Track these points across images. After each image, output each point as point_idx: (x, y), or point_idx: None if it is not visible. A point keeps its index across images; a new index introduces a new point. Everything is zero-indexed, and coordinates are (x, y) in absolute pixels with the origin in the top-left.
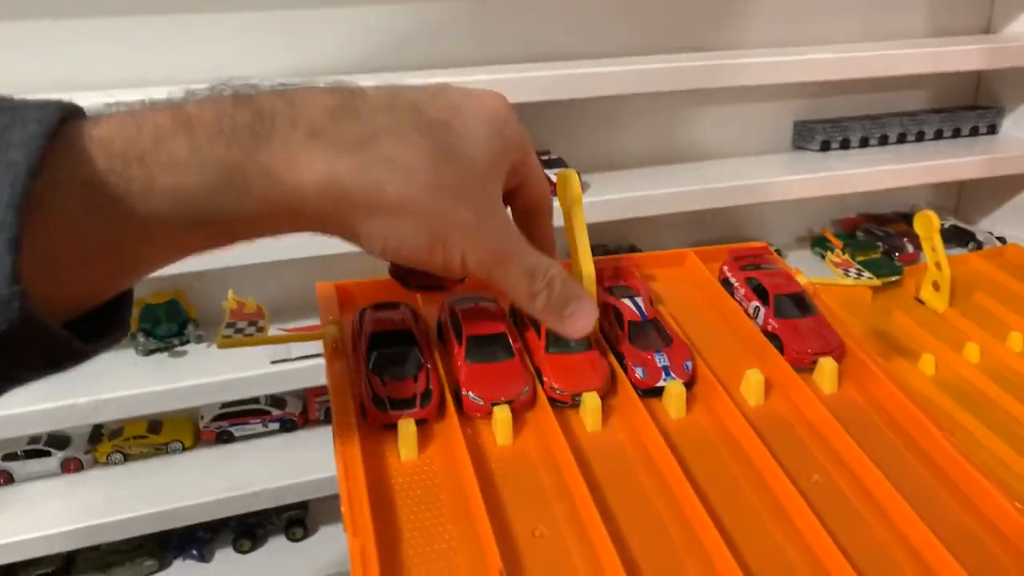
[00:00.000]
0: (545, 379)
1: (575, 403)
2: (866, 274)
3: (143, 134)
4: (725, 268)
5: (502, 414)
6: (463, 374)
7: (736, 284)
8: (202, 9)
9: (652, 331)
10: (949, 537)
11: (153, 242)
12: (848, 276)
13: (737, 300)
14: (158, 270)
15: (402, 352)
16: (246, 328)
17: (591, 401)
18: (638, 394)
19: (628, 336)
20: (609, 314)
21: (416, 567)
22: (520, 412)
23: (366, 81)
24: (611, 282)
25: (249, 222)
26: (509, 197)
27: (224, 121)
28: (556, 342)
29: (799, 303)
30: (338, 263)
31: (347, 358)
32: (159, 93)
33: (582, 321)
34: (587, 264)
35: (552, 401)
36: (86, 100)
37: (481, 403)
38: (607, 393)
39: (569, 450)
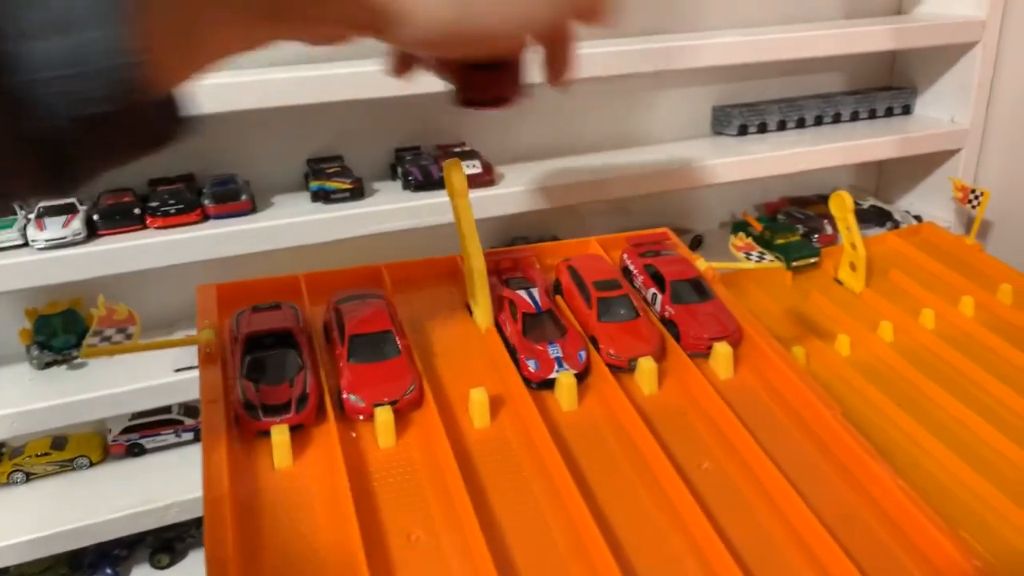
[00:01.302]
0: (601, 346)
1: (631, 367)
2: (768, 256)
3: None
4: (625, 255)
5: (384, 416)
6: (345, 375)
7: (635, 271)
8: None
9: (547, 322)
10: (834, 520)
11: (222, 23)
12: (750, 259)
13: (636, 287)
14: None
15: (279, 355)
16: (114, 335)
17: (478, 397)
18: (530, 387)
19: (522, 328)
20: (504, 306)
21: None
22: (406, 412)
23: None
24: (508, 274)
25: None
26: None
27: None
28: (607, 311)
29: (696, 288)
30: (240, 265)
31: (223, 363)
32: None
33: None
34: (476, 257)
35: (609, 367)
36: None
37: (363, 405)
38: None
39: (452, 450)
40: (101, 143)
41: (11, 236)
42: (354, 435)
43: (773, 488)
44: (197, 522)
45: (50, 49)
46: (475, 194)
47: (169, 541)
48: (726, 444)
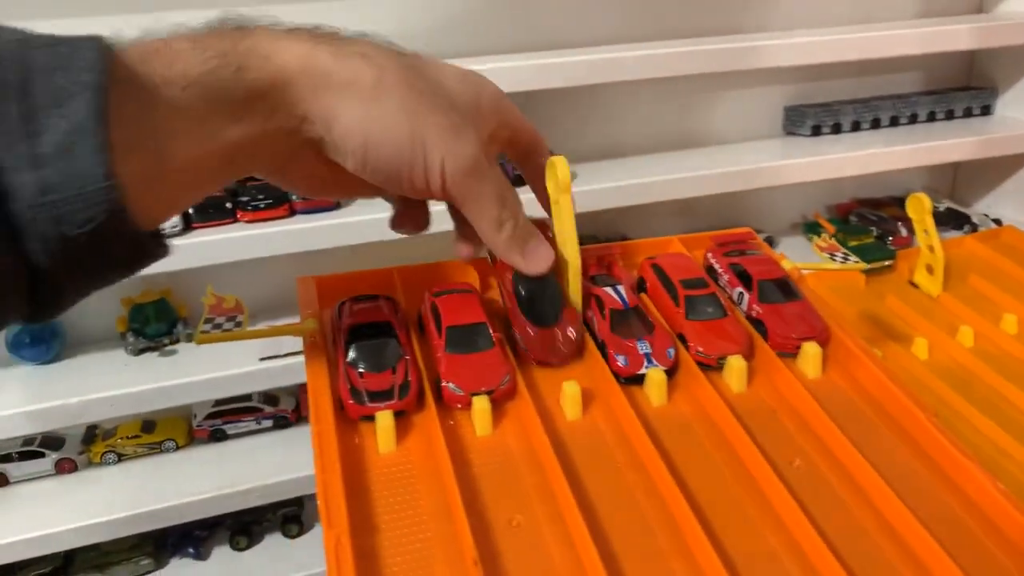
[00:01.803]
0: (690, 343)
1: (720, 365)
2: (852, 258)
3: (151, 43)
4: (709, 255)
5: (481, 404)
6: (443, 365)
7: (720, 270)
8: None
9: (634, 319)
10: (931, 520)
11: (182, 131)
12: (834, 260)
13: (721, 286)
14: (198, 191)
15: (381, 344)
16: (224, 323)
17: (570, 390)
18: (619, 382)
19: (610, 324)
20: (592, 303)
21: (391, 558)
22: (501, 402)
23: None
24: (595, 271)
25: (247, 103)
26: (503, 146)
27: (215, 28)
28: (694, 310)
29: (783, 288)
30: (323, 259)
31: (326, 351)
32: None
33: (543, 259)
34: (573, 254)
35: (698, 364)
36: None
37: (461, 393)
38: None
39: (548, 440)
40: (85, 266)
41: None
42: (452, 423)
43: (868, 486)
44: (274, 507)
45: (35, 179)
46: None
47: (247, 524)
48: (817, 442)
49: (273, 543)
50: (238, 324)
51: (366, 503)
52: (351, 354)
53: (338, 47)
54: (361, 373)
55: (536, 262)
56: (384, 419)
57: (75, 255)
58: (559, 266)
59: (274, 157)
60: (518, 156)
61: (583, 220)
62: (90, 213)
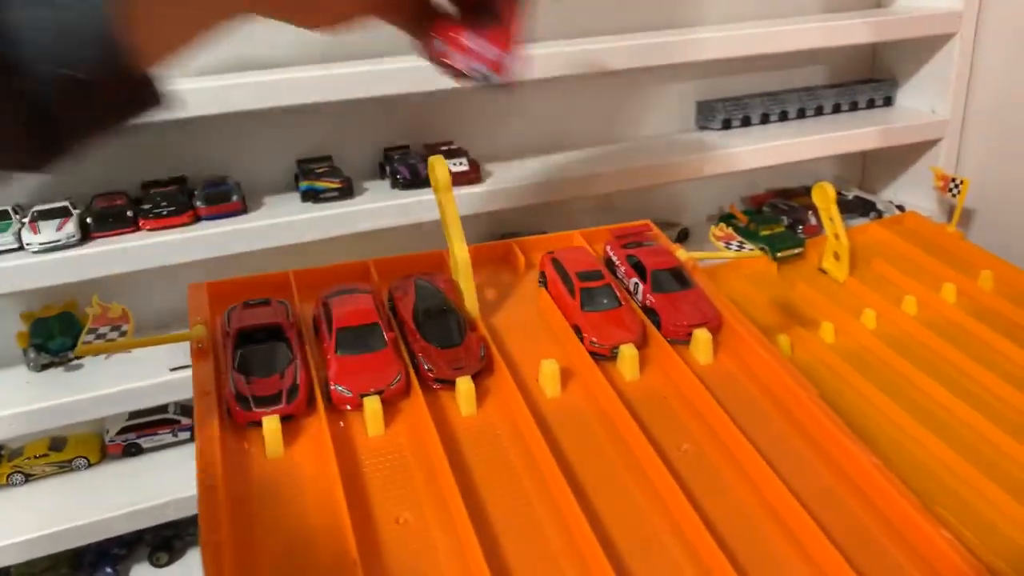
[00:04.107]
0: (584, 334)
1: (613, 355)
2: (748, 246)
3: None
4: (608, 247)
5: (372, 405)
6: (332, 367)
7: (617, 262)
8: None
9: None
10: (810, 499)
11: None
12: (729, 249)
13: (619, 278)
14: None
15: (269, 348)
16: (108, 333)
17: (464, 386)
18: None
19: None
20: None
21: (270, 564)
22: (393, 401)
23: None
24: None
25: None
26: None
27: None
28: (590, 301)
29: (677, 277)
30: (232, 265)
31: (214, 358)
32: None
33: None
34: (461, 250)
35: (592, 355)
36: None
37: (350, 395)
38: (483, 374)
39: (438, 436)
40: (83, 106)
41: (6, 240)
42: (342, 424)
43: (751, 467)
44: (194, 520)
45: (35, 17)
46: (463, 191)
47: (168, 539)
48: (705, 427)
49: (195, 558)
50: (122, 333)
51: (247, 508)
52: (238, 359)
53: None
54: (248, 378)
55: None
56: (271, 423)
57: (71, 96)
58: (451, 264)
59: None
60: None
61: (503, 217)
62: (87, 56)
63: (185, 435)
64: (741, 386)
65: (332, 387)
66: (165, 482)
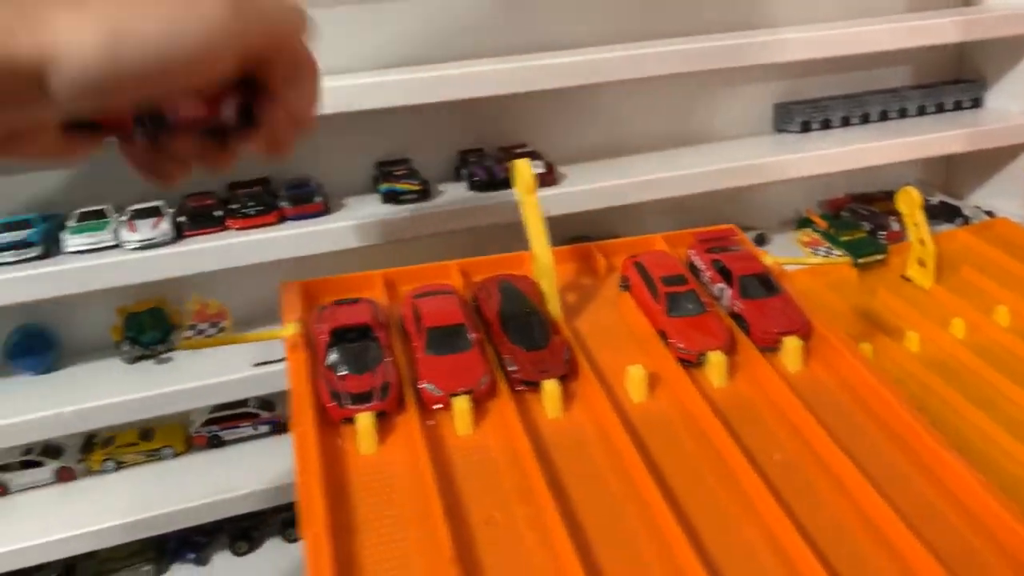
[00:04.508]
0: (670, 340)
1: (700, 362)
2: (836, 252)
3: None
4: (691, 252)
5: (461, 405)
6: (421, 366)
7: (702, 267)
8: None
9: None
10: (908, 510)
11: None
12: (817, 254)
13: (703, 283)
14: None
15: (362, 347)
16: (207, 329)
17: (550, 388)
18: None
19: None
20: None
21: (370, 557)
22: (481, 401)
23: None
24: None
25: None
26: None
27: None
28: (676, 306)
29: (764, 283)
30: (315, 264)
31: (308, 355)
32: None
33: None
34: (544, 253)
35: (680, 361)
36: None
37: (439, 394)
38: (568, 377)
39: (527, 437)
40: None
41: (104, 237)
42: (431, 423)
43: (847, 479)
44: (274, 511)
45: None
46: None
47: (246, 529)
48: (797, 436)
49: (273, 547)
50: (221, 330)
51: (345, 503)
52: (332, 357)
53: None
54: (342, 376)
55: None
56: (364, 421)
57: None
58: (534, 267)
59: None
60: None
61: (576, 220)
62: None
63: (264, 429)
64: (833, 395)
65: (422, 386)
66: (246, 474)
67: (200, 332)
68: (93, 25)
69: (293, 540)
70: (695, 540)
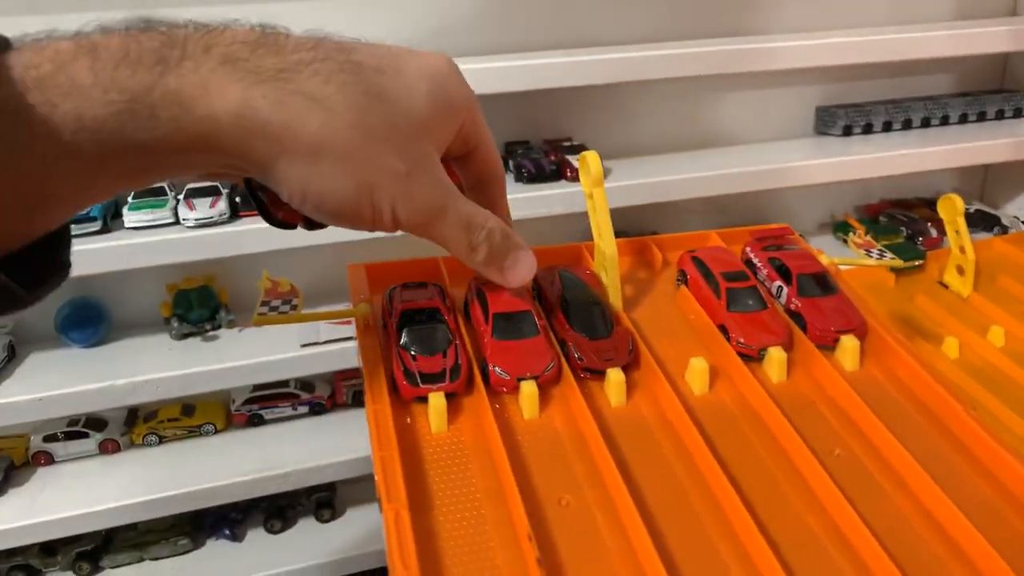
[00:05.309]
0: (731, 335)
1: (759, 357)
2: (888, 255)
3: (43, 60)
4: (748, 249)
5: (529, 388)
6: (490, 350)
7: (759, 264)
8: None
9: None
10: (970, 508)
11: (58, 174)
12: (870, 256)
13: (760, 280)
14: (76, 210)
15: (431, 329)
16: (280, 306)
17: (615, 376)
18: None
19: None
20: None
21: (447, 533)
22: (546, 387)
23: None
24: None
25: (159, 154)
26: (459, 165)
27: (131, 46)
28: (736, 301)
29: (821, 282)
30: (368, 247)
31: (378, 335)
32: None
33: (523, 271)
34: (609, 245)
35: (740, 355)
36: None
37: (507, 378)
38: (630, 367)
39: (594, 422)
40: None
41: (163, 215)
42: (498, 406)
43: (908, 475)
44: (308, 491)
45: None
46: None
47: (281, 508)
48: (856, 432)
49: (306, 527)
50: (294, 307)
51: (421, 480)
52: (404, 338)
53: (280, 83)
54: (414, 356)
55: (516, 276)
56: (437, 400)
57: None
58: (597, 259)
59: (199, 176)
60: (475, 176)
61: (613, 216)
62: None
63: (304, 409)
64: (889, 394)
65: (491, 368)
66: (285, 453)
67: (274, 309)
68: (297, 180)
69: (326, 520)
70: (762, 528)
